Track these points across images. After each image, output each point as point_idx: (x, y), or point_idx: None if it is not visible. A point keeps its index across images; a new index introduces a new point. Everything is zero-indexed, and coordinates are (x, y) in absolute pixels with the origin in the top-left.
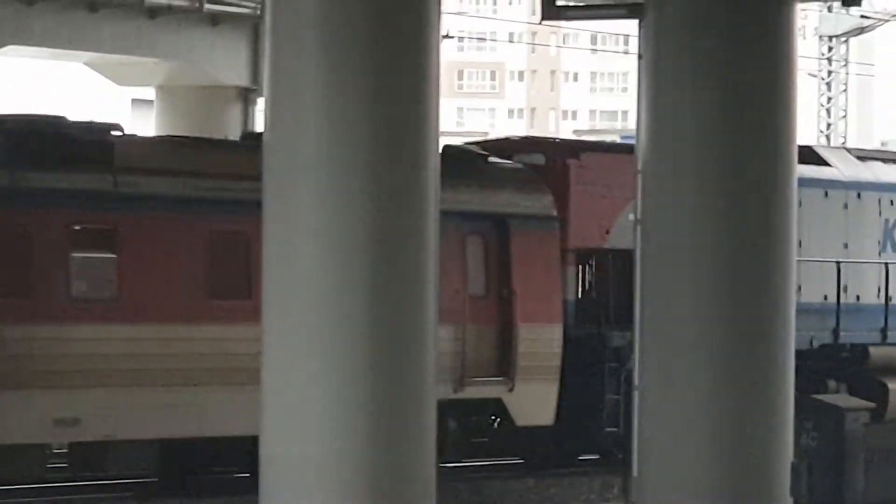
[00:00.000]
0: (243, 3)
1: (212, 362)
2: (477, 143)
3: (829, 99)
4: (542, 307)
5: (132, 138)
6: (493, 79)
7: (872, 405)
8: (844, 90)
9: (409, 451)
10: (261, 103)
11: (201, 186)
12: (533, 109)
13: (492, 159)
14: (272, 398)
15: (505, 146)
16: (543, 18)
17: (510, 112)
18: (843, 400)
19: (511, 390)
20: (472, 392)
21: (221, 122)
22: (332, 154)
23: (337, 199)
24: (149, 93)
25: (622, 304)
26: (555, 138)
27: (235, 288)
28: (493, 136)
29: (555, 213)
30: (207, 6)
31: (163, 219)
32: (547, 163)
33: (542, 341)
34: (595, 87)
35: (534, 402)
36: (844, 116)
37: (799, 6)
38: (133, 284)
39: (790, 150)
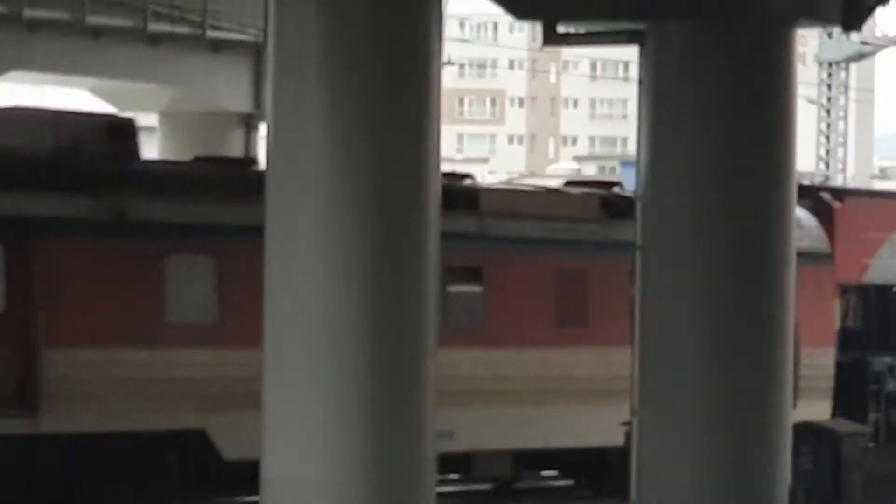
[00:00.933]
0: (245, 30)
1: (557, 383)
2: None
3: (829, 125)
4: (819, 333)
5: (492, 186)
6: (493, 105)
7: (870, 429)
8: (844, 116)
9: (408, 477)
10: (263, 129)
11: (551, 228)
12: (533, 136)
13: None
14: (272, 421)
15: None
16: (545, 44)
17: (510, 138)
18: (840, 424)
19: (794, 407)
20: None
21: (224, 147)
22: (333, 180)
23: (338, 225)
24: (151, 119)
25: (881, 332)
26: (821, 186)
27: (577, 317)
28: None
29: (829, 250)
30: (209, 33)
31: (520, 257)
32: (815, 206)
33: (819, 364)
34: (595, 113)
35: (813, 418)
36: (843, 143)
37: (799, 31)
38: (495, 314)
39: (789, 175)
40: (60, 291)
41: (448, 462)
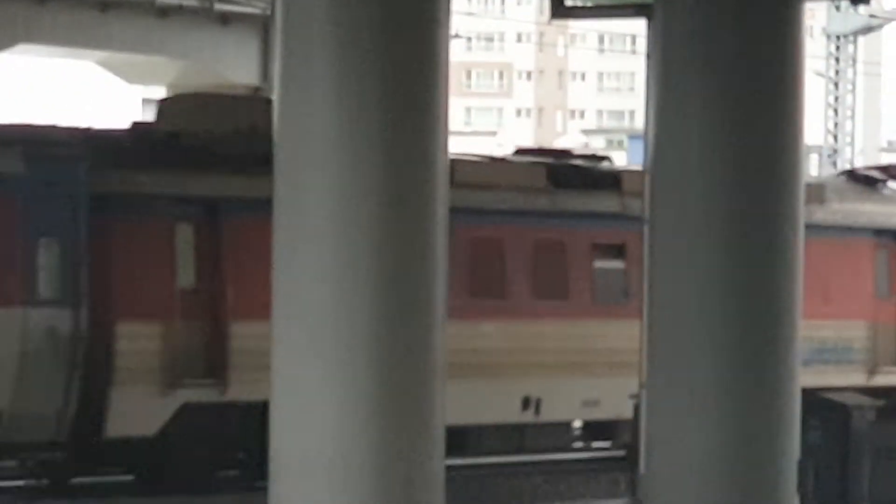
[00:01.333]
0: (253, 3)
1: None
2: (872, 168)
3: (837, 98)
4: None
5: (632, 168)
6: (501, 79)
7: (879, 402)
8: (852, 89)
9: (416, 447)
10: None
11: None
12: (541, 109)
13: (889, 183)
14: (280, 393)
15: (888, 171)
16: (552, 17)
17: (518, 111)
18: (849, 398)
19: None
20: (881, 380)
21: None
22: (340, 152)
23: (344, 196)
24: (160, 92)
25: None
26: None
27: None
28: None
29: None
30: (217, 6)
31: None
32: None
33: None
34: (602, 86)
35: None
36: (852, 116)
37: (807, 5)
38: (638, 289)
39: (797, 148)
40: (244, 267)
41: (594, 429)
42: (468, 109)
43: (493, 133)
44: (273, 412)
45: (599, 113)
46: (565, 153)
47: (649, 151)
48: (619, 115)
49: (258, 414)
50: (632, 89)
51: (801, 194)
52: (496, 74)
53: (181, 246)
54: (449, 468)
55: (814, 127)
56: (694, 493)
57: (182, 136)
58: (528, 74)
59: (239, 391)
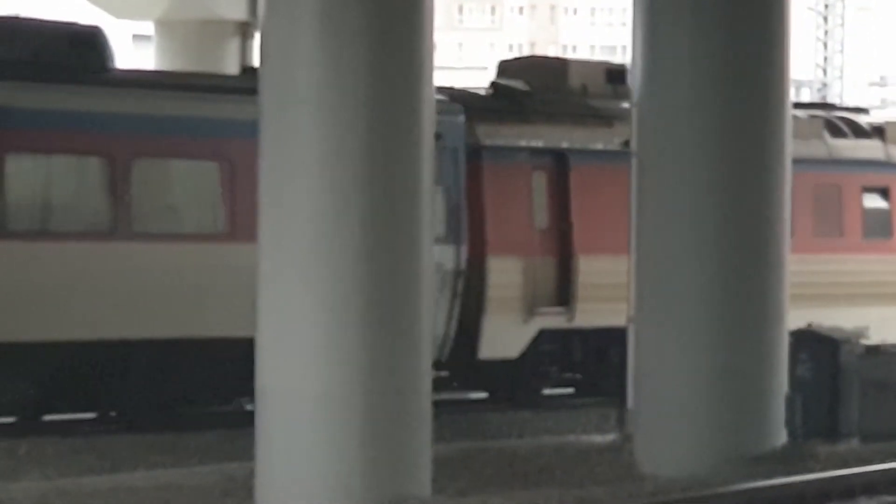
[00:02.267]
0: None
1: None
2: None
3: (826, 32)
4: None
5: (892, 119)
6: (493, 13)
7: (867, 337)
8: (841, 24)
9: (404, 384)
10: (259, 37)
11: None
12: (533, 44)
13: None
14: (266, 330)
15: None
16: None
17: (510, 46)
18: (837, 332)
19: None
20: None
21: (220, 56)
22: (326, 86)
23: (330, 129)
24: (149, 28)
25: None
26: None
27: None
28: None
29: None
30: None
31: None
32: None
33: None
34: (595, 21)
35: None
36: (841, 50)
37: None
38: None
39: (784, 82)
40: (588, 209)
41: None
42: (460, 44)
43: (485, 68)
44: (259, 345)
45: (592, 48)
46: (831, 106)
47: (637, 85)
48: (611, 49)
49: (597, 339)
50: (624, 24)
51: (788, 127)
52: (488, 9)
53: (537, 191)
54: (436, 403)
55: (804, 61)
56: (681, 428)
57: (534, 93)
58: (520, 9)
59: (581, 318)
